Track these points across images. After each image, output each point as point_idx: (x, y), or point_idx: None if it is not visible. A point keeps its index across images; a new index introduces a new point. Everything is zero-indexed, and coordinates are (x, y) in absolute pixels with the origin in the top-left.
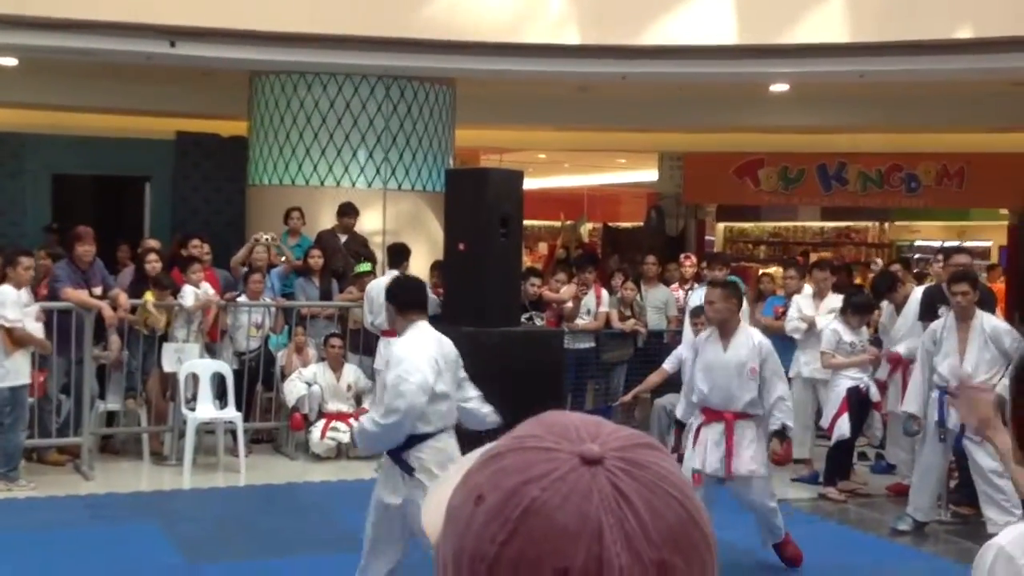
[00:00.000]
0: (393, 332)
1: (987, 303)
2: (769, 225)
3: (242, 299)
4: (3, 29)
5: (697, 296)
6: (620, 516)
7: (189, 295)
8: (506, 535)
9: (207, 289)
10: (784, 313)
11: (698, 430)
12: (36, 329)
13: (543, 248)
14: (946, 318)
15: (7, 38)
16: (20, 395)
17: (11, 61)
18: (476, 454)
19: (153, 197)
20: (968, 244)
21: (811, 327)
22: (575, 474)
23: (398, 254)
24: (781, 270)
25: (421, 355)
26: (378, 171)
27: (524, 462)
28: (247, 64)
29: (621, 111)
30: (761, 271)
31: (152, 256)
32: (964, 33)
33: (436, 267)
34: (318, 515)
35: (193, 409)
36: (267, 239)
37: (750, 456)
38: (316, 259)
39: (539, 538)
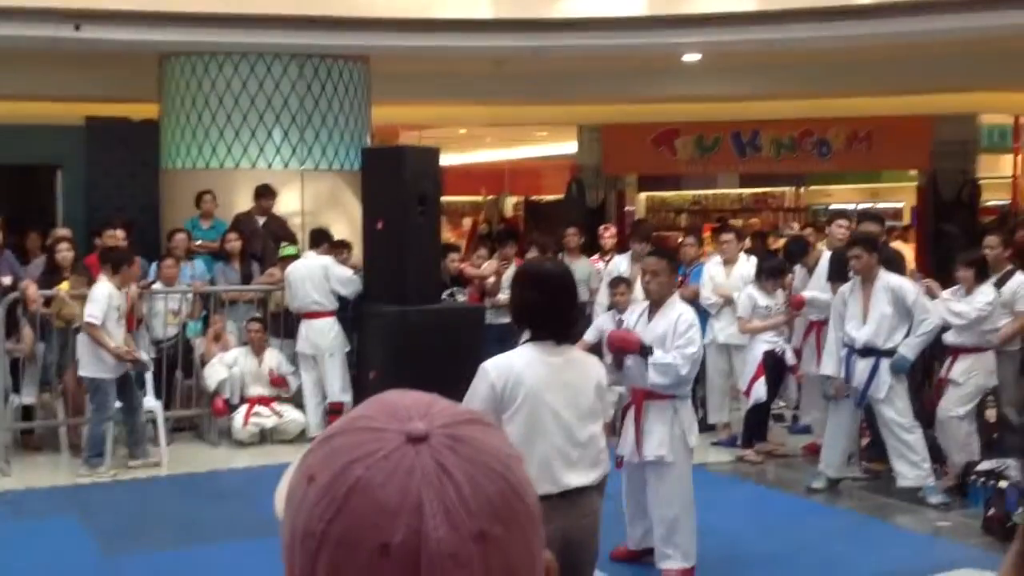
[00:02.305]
0: (316, 315)
1: (893, 264)
2: (689, 194)
3: (157, 286)
4: None
5: (618, 266)
6: (440, 490)
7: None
8: (332, 513)
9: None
10: (683, 282)
11: (625, 410)
12: None
13: (467, 224)
14: (853, 281)
15: None
16: None
17: None
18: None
19: (65, 185)
20: (881, 206)
21: (727, 302)
22: (399, 452)
23: (318, 236)
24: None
25: None
26: (294, 151)
27: (353, 442)
28: (156, 46)
29: (538, 85)
30: (680, 239)
31: (64, 245)
32: None
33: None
34: (240, 501)
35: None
36: None
37: (658, 440)
38: (234, 243)
39: (362, 515)
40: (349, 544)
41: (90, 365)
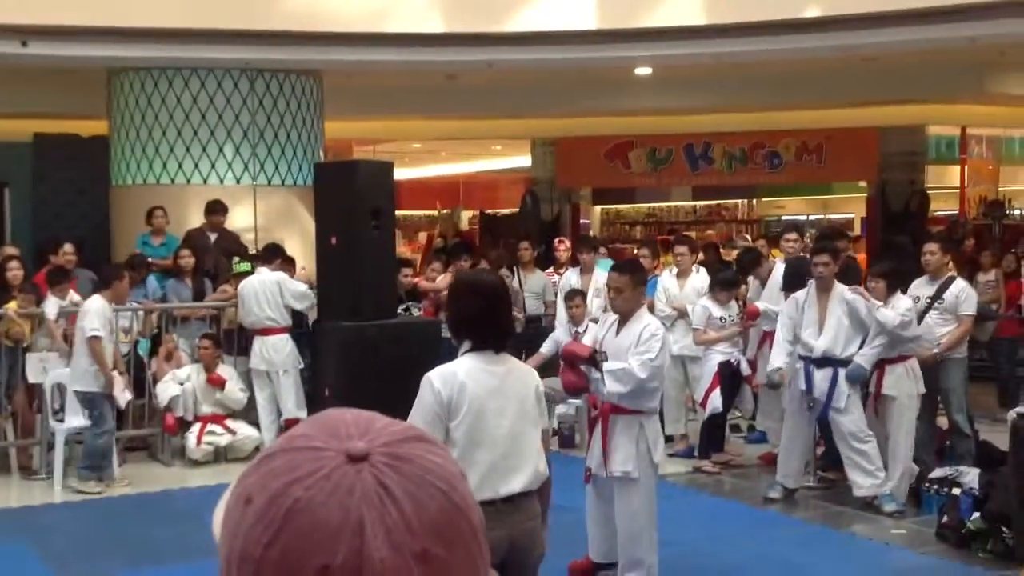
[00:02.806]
0: (269, 331)
1: (851, 274)
2: (644, 206)
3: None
4: None
5: (568, 279)
6: (382, 510)
7: (52, 305)
8: (270, 536)
9: (72, 297)
10: None
11: (592, 423)
12: None
13: (423, 238)
14: (809, 289)
15: None
16: None
17: None
18: None
19: (12, 202)
20: (832, 217)
21: (682, 315)
22: (339, 472)
23: (271, 252)
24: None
25: None
26: (246, 167)
27: (292, 462)
28: (104, 61)
29: (491, 99)
30: (635, 251)
31: (14, 264)
32: (814, 12)
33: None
34: (195, 522)
35: (61, 420)
36: None
37: (624, 456)
38: (187, 259)
39: (301, 537)
40: (288, 567)
41: (83, 379)
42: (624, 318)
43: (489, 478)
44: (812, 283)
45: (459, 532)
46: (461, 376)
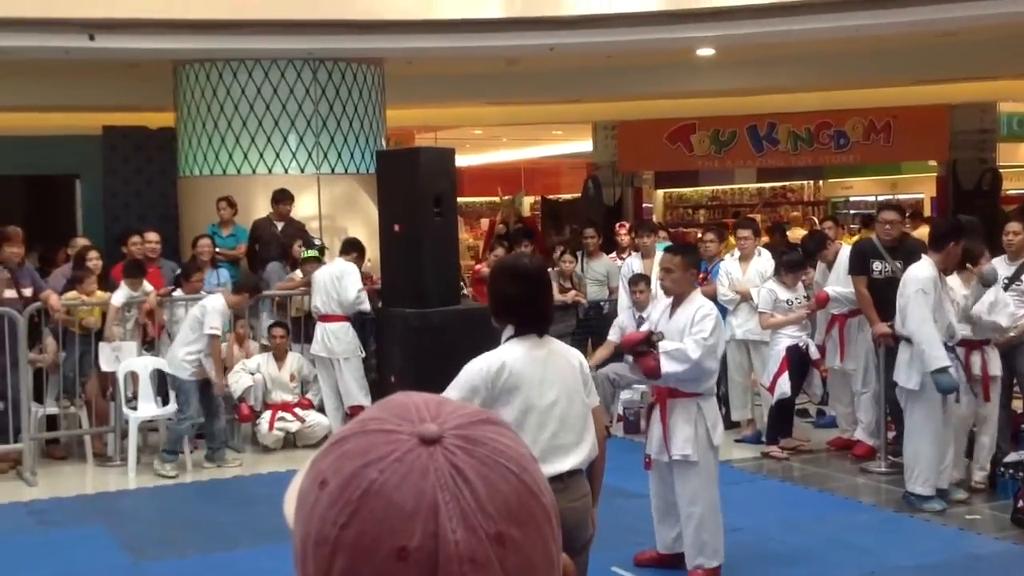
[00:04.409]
0: (330, 318)
1: (918, 254)
2: (707, 189)
3: (178, 293)
4: None
5: (630, 265)
6: (456, 492)
7: (120, 294)
8: (346, 518)
9: (145, 287)
10: (705, 279)
11: (649, 409)
12: None
13: (484, 224)
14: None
15: None
16: None
17: None
18: None
19: (84, 194)
20: (901, 197)
21: (745, 299)
22: (413, 454)
23: (348, 246)
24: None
25: None
26: (310, 155)
27: (365, 445)
28: (169, 54)
29: (552, 83)
30: (700, 235)
31: (93, 253)
32: None
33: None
34: (266, 506)
35: (135, 408)
36: None
37: (683, 439)
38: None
39: (377, 519)
40: (364, 549)
41: (179, 367)
42: (677, 300)
43: (540, 459)
44: (934, 273)
45: (532, 514)
46: (509, 362)
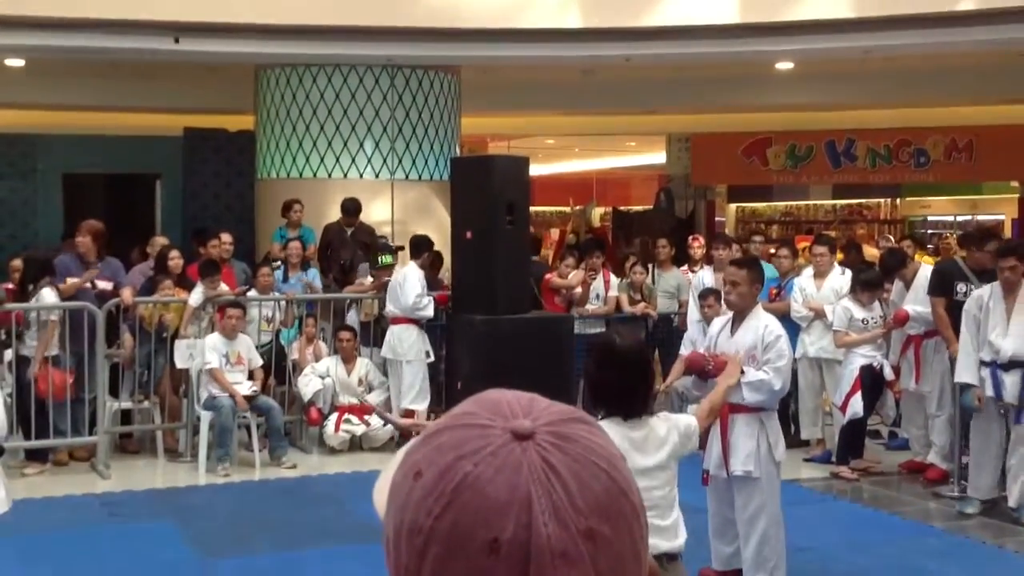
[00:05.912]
0: (397, 320)
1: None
2: (781, 205)
3: (252, 293)
4: (8, 30)
5: (701, 278)
6: (548, 487)
7: (197, 294)
8: (440, 508)
9: (221, 287)
10: (778, 295)
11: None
12: None
13: (555, 234)
14: (993, 288)
15: (12, 39)
16: None
17: (18, 62)
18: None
19: (164, 194)
20: (980, 218)
21: (818, 316)
22: (506, 449)
23: (418, 246)
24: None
25: None
26: (385, 161)
27: (459, 439)
28: (251, 58)
29: (626, 94)
30: (774, 250)
31: (174, 253)
32: (968, 5)
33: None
34: (333, 507)
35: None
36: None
37: (745, 455)
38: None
39: (471, 511)
40: (458, 539)
41: None
42: (739, 315)
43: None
44: (996, 283)
45: (621, 512)
46: None
